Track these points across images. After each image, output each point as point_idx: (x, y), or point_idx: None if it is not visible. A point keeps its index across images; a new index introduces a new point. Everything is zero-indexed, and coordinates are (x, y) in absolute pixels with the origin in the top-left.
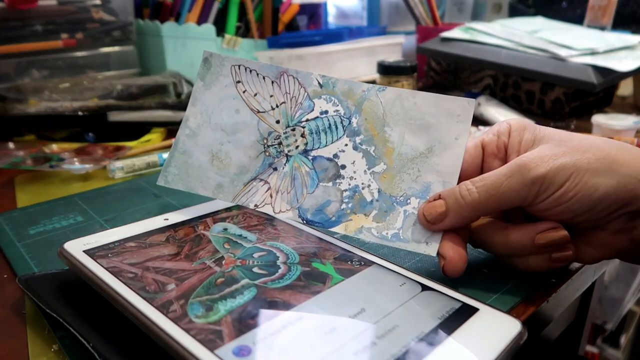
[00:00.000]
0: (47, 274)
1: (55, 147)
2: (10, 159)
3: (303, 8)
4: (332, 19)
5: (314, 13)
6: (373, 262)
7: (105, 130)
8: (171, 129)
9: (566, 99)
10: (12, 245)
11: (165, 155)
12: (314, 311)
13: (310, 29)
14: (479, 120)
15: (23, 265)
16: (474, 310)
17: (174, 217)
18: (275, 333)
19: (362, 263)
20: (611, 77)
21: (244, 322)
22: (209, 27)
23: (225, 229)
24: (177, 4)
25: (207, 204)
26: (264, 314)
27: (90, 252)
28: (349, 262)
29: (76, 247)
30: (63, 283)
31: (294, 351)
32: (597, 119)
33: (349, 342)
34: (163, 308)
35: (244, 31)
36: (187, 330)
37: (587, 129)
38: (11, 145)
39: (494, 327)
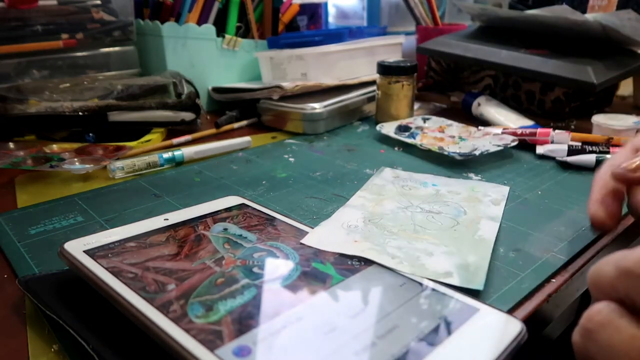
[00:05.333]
0: (48, 274)
1: (55, 147)
2: (11, 159)
3: (303, 8)
4: (332, 19)
5: (314, 13)
6: (373, 262)
7: (106, 130)
8: (171, 129)
9: (566, 99)
10: (12, 245)
11: (165, 155)
12: (314, 311)
13: (311, 29)
14: (479, 120)
15: (23, 265)
16: (474, 310)
17: (174, 217)
18: (275, 333)
19: (363, 263)
20: (611, 77)
21: (244, 322)
22: (209, 28)
23: (226, 229)
24: (177, 4)
25: (207, 204)
26: (264, 314)
27: (90, 252)
28: (349, 262)
29: (76, 247)
30: (63, 283)
31: (294, 351)
32: (597, 119)
33: (349, 342)
34: (163, 308)
35: (244, 31)
36: (187, 330)
37: (587, 129)
38: (11, 145)
39: (494, 327)
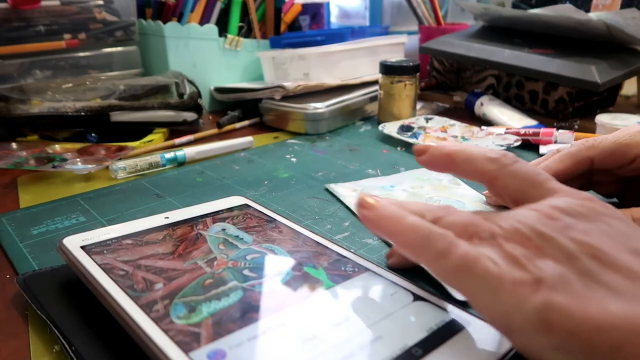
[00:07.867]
0: (47, 270)
1: (57, 147)
2: (13, 159)
3: (305, 8)
4: (334, 19)
5: (316, 13)
6: (367, 269)
7: (108, 131)
8: (173, 129)
9: (570, 99)
10: (14, 245)
11: (167, 156)
12: (298, 317)
13: (313, 29)
14: (481, 120)
15: (25, 265)
16: (466, 323)
17: (175, 216)
18: (253, 338)
19: (356, 269)
20: (615, 77)
21: (224, 326)
22: (211, 27)
23: (224, 229)
24: (179, 4)
25: (210, 203)
26: (246, 317)
27: (87, 248)
28: (342, 268)
29: (74, 243)
30: (63, 279)
31: (269, 358)
32: (601, 118)
33: (327, 351)
34: (147, 307)
35: (246, 31)
36: (165, 331)
37: (590, 129)
38: (14, 145)
39: (485, 341)
